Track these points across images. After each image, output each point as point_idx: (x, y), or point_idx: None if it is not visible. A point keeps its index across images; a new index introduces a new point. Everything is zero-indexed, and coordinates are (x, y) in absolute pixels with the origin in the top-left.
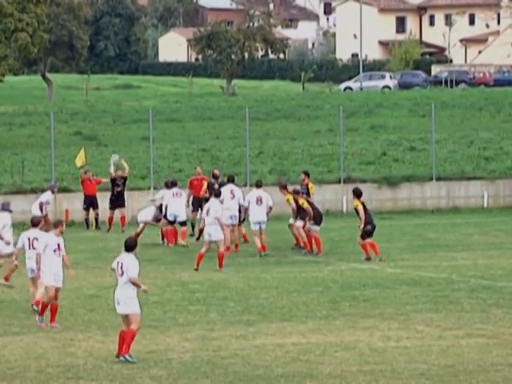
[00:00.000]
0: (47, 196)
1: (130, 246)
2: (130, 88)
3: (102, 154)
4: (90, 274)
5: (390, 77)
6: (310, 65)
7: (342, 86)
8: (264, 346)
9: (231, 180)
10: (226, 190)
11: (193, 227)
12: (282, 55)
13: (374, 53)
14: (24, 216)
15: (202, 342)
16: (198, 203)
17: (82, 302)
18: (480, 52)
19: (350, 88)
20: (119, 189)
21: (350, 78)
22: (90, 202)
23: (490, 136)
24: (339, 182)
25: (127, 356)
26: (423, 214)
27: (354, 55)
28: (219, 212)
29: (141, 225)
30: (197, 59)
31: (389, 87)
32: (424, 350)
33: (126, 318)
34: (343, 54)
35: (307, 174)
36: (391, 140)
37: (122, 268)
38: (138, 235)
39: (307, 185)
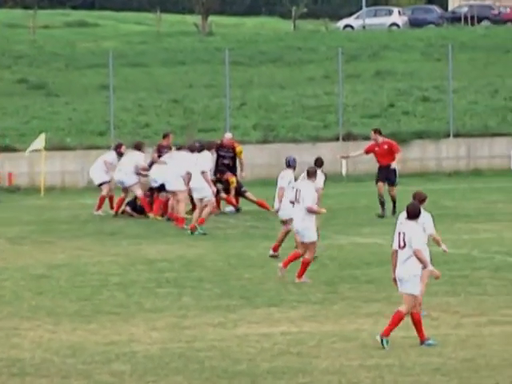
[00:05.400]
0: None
1: (413, 214)
2: (86, 26)
3: (53, 105)
4: (37, 249)
5: (399, 12)
6: None
7: (341, 23)
8: (247, 336)
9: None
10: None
11: None
12: None
13: None
14: None
15: (173, 331)
16: None
17: (29, 284)
18: None
19: (351, 26)
20: None
21: (350, 15)
22: None
23: None
24: (337, 139)
25: (428, 341)
26: (438, 177)
27: None
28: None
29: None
30: None
31: (397, 25)
32: (439, 341)
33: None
34: None
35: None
36: (400, 89)
37: (404, 239)
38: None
39: None
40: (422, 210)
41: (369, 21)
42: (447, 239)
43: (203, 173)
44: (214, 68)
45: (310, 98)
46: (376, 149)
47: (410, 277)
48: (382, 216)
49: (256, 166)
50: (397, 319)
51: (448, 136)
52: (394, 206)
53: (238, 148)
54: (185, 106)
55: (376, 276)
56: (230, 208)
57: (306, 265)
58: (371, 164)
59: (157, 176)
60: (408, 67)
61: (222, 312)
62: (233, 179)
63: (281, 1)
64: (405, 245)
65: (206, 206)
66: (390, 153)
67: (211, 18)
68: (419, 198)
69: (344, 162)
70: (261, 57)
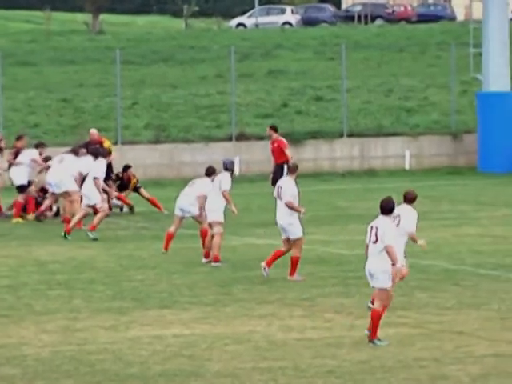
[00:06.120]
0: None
1: (386, 209)
2: None
3: None
4: None
5: (292, 11)
6: None
7: (234, 22)
8: (139, 338)
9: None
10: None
11: None
12: None
13: None
14: None
15: (64, 334)
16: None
17: None
18: None
19: (243, 25)
20: None
21: (243, 13)
22: None
23: (412, 83)
24: (230, 139)
25: (376, 341)
26: (332, 177)
27: None
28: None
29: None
30: None
31: (290, 24)
32: (333, 343)
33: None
34: None
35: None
36: (293, 88)
37: (376, 234)
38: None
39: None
40: (410, 208)
41: (261, 19)
42: (341, 240)
43: (95, 179)
44: (104, 67)
45: (202, 97)
46: (270, 146)
47: (380, 272)
48: None
49: (148, 167)
50: (375, 318)
51: (342, 136)
52: None
53: (107, 143)
54: (75, 105)
55: (269, 277)
56: (118, 202)
57: (295, 262)
58: (264, 164)
59: (15, 177)
60: (301, 66)
61: (114, 314)
62: (134, 180)
63: None
64: (377, 239)
65: (98, 211)
66: (281, 151)
67: (102, 17)
68: (410, 198)
69: (237, 161)
70: (152, 56)
